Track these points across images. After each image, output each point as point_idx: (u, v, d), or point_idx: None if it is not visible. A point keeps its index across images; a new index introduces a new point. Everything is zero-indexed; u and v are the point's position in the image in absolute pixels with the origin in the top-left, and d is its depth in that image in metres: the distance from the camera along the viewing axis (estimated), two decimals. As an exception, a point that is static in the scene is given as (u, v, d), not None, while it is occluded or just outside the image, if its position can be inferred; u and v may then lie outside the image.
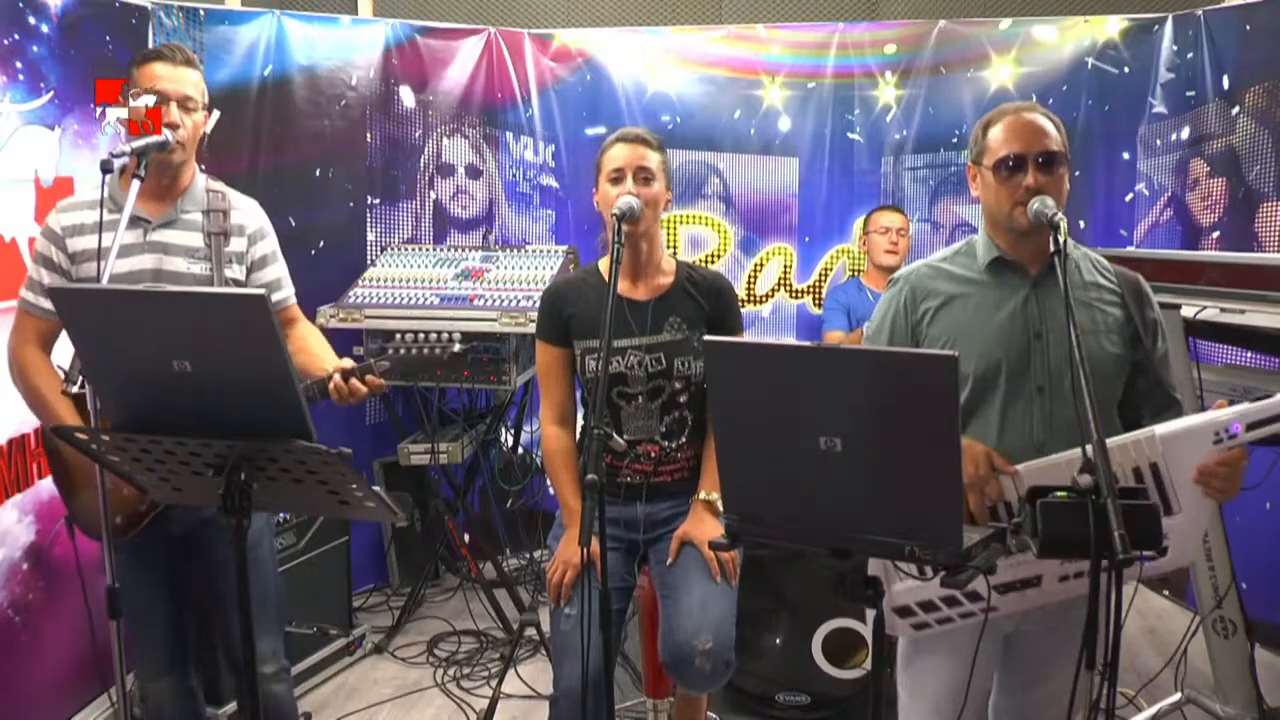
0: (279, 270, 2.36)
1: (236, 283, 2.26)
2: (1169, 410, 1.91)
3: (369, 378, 2.08)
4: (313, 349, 2.31)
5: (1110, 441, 1.51)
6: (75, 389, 2.04)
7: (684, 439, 2.34)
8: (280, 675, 2.37)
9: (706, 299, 2.34)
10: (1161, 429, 1.70)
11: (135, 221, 2.20)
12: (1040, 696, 2.01)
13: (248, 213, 2.32)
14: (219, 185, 2.32)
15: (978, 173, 1.92)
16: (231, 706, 2.86)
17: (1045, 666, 1.98)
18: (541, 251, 3.89)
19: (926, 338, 1.94)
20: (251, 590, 2.22)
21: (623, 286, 2.32)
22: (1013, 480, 1.76)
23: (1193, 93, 3.81)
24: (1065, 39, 4.02)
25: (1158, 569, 1.69)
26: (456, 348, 2.14)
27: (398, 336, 3.36)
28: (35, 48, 2.75)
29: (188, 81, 2.17)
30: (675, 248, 4.30)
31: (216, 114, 2.30)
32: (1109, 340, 1.87)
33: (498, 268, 3.76)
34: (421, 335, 3.23)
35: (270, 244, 2.34)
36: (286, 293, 2.39)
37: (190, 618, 2.36)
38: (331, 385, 2.08)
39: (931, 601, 1.86)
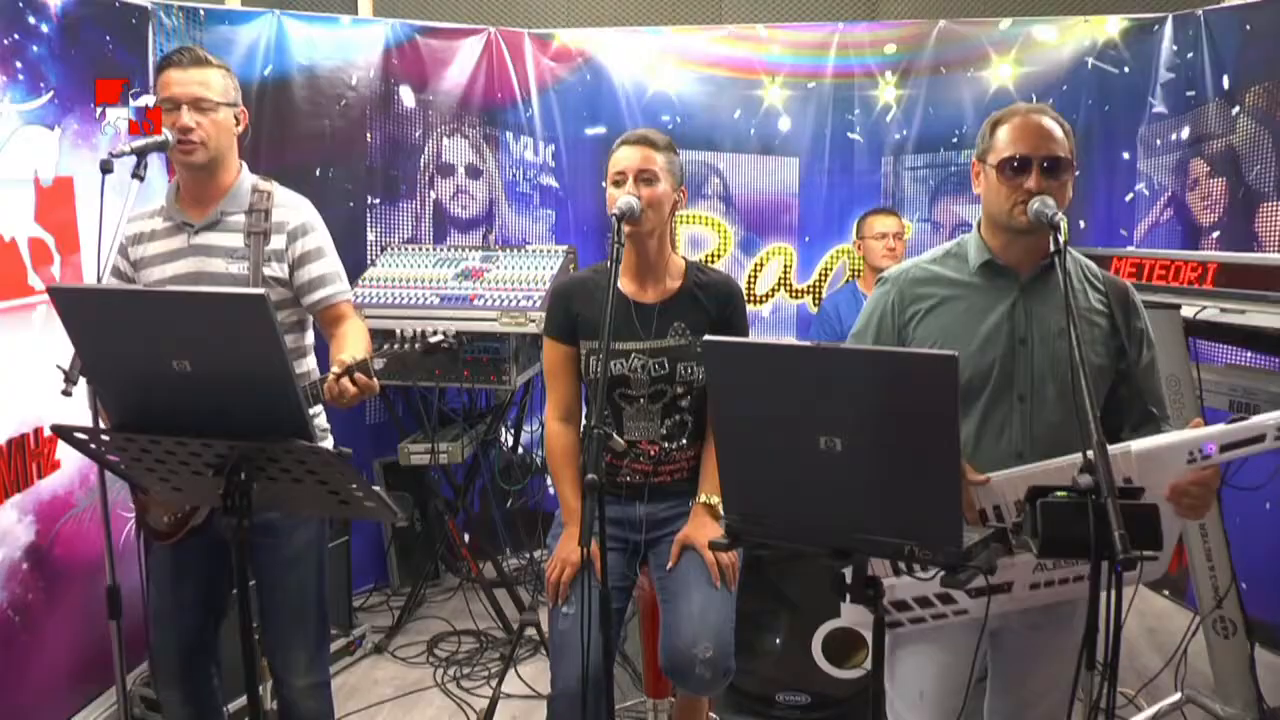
0: (324, 267, 2.29)
1: (277, 280, 2.23)
2: (1147, 425, 1.89)
3: (358, 376, 2.02)
4: (345, 348, 2.21)
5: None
6: (74, 389, 2.03)
7: (684, 440, 2.34)
8: (314, 690, 2.30)
9: (713, 304, 2.33)
10: (1137, 445, 1.70)
11: (182, 227, 2.22)
12: (1027, 694, 2.02)
13: (291, 209, 2.27)
14: (267, 184, 2.28)
15: (981, 170, 1.92)
16: (233, 705, 2.86)
17: (1030, 664, 1.99)
18: (541, 251, 3.89)
19: (913, 340, 1.94)
20: (288, 602, 2.25)
21: (630, 289, 2.33)
22: (981, 490, 1.76)
23: (1193, 93, 3.81)
24: (1065, 39, 4.02)
25: (1127, 581, 1.69)
26: (435, 338, 2.11)
27: (397, 332, 3.33)
28: (35, 48, 2.75)
29: (200, 81, 2.15)
30: (676, 248, 4.30)
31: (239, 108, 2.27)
32: (1093, 351, 1.85)
33: (498, 268, 3.76)
34: (412, 332, 3.19)
35: (314, 240, 2.27)
36: (332, 290, 2.29)
37: (216, 625, 2.31)
38: (325, 385, 2.05)
39: (904, 601, 1.87)
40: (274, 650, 2.30)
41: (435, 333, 2.12)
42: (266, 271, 2.21)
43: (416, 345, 2.10)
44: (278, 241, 2.24)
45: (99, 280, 2.11)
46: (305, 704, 2.30)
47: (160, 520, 2.19)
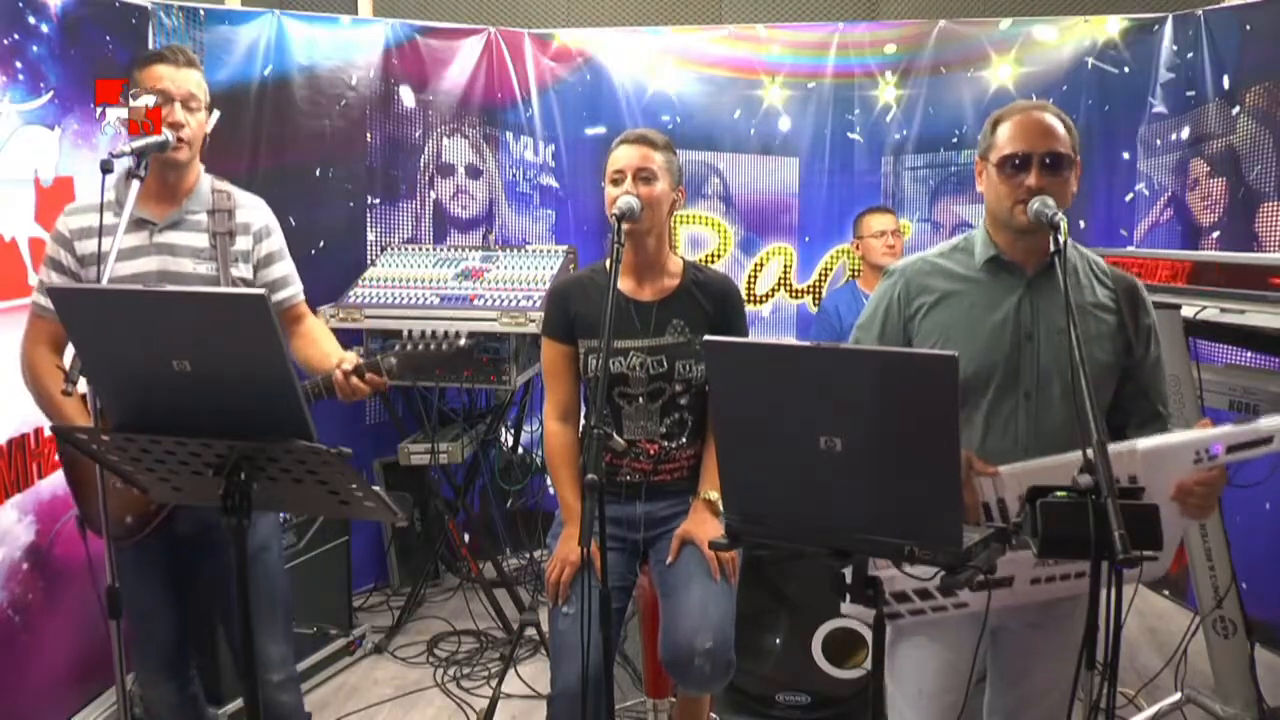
0: (286, 268, 2.35)
1: (244, 281, 2.25)
2: (1153, 423, 1.89)
3: (369, 376, 2.07)
4: (321, 345, 2.30)
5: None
6: (74, 389, 2.03)
7: (684, 439, 2.34)
8: (288, 685, 2.32)
9: (711, 302, 2.34)
10: (1143, 444, 1.69)
11: (141, 224, 2.20)
12: (1026, 693, 2.02)
13: (253, 210, 2.31)
14: (225, 185, 2.31)
15: (984, 168, 1.92)
16: (232, 706, 2.86)
17: (1029, 662, 1.99)
18: (541, 251, 3.89)
19: (918, 334, 1.94)
20: (258, 594, 2.21)
21: (628, 287, 2.33)
22: (993, 482, 1.76)
23: (1193, 93, 3.81)
24: (1065, 39, 4.03)
25: (1130, 579, 1.68)
26: (462, 342, 2.13)
27: (405, 333, 3.34)
28: (35, 48, 2.75)
29: (191, 81, 2.17)
30: (675, 248, 4.30)
31: (217, 113, 2.29)
32: (1100, 348, 1.85)
33: (498, 268, 3.76)
34: (429, 333, 3.20)
35: (276, 241, 2.33)
36: (294, 290, 2.37)
37: (193, 621, 2.33)
38: (336, 382, 2.07)
39: (904, 593, 1.86)
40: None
41: (459, 335, 2.14)
42: (234, 272, 2.23)
43: (445, 346, 2.11)
44: (243, 243, 2.26)
45: (99, 281, 2.11)
46: (280, 699, 2.29)
47: (121, 521, 2.18)
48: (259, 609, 2.24)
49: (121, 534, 2.19)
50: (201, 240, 2.22)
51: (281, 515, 3.10)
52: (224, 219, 2.24)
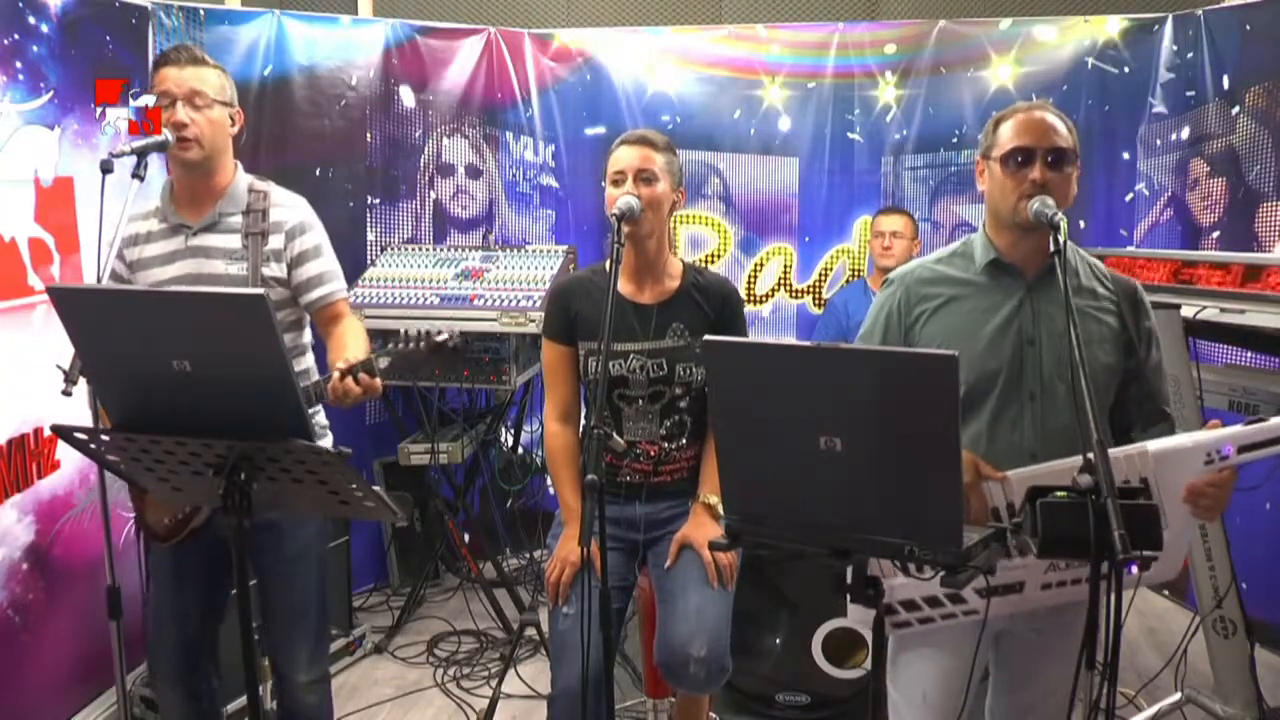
0: (321, 266, 2.28)
1: (276, 281, 2.22)
2: (1159, 424, 1.90)
3: (362, 377, 2.01)
4: (346, 350, 2.20)
5: None
6: (75, 389, 2.03)
7: (684, 440, 2.34)
8: (314, 685, 2.32)
9: (712, 305, 2.33)
10: (1154, 445, 1.69)
11: (178, 229, 2.21)
12: (1029, 696, 2.02)
13: (288, 209, 2.26)
14: (264, 184, 2.28)
15: (985, 167, 1.92)
16: (233, 706, 2.86)
17: (1034, 666, 1.99)
18: (541, 251, 3.89)
19: (920, 341, 1.93)
20: (291, 599, 2.26)
21: (628, 289, 2.33)
22: (1002, 487, 1.76)
23: (1193, 93, 3.81)
24: (1065, 39, 4.03)
25: (1139, 581, 1.68)
26: (440, 337, 2.10)
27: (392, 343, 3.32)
28: (35, 48, 2.75)
29: (196, 79, 2.15)
30: (675, 248, 4.30)
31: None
32: (1102, 350, 1.86)
33: (498, 268, 3.76)
34: (402, 331, 3.16)
35: (312, 239, 2.27)
36: (329, 289, 2.28)
37: (215, 625, 2.31)
38: (329, 385, 2.04)
39: (914, 601, 1.86)
40: (276, 647, 2.31)
41: (440, 332, 2.12)
42: (265, 271, 2.21)
43: (422, 344, 2.10)
44: (276, 241, 2.23)
45: (99, 280, 2.11)
46: (306, 699, 2.31)
47: (160, 522, 2.18)
48: (290, 613, 2.28)
49: (161, 534, 2.20)
50: (235, 241, 2.21)
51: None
52: (258, 219, 2.22)
